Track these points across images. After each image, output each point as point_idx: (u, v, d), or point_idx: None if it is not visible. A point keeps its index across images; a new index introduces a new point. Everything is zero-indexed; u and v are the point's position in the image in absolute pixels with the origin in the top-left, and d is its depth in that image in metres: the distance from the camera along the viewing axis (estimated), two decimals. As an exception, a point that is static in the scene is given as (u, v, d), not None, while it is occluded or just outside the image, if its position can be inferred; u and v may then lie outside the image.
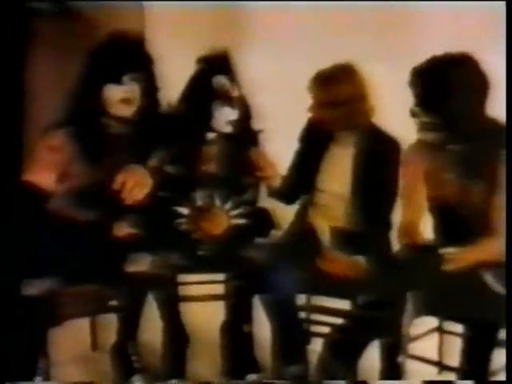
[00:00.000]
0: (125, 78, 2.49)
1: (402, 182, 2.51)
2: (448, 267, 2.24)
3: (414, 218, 2.43)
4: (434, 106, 2.30)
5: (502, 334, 2.33)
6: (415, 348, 2.42)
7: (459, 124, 2.31)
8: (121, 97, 2.50)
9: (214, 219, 2.69)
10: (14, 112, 2.11)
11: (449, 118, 2.30)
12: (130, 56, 2.50)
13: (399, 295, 2.28)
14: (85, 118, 2.47)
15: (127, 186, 2.43)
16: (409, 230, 2.43)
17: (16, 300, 2.13)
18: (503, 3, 2.48)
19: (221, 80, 2.65)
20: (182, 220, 2.68)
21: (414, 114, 2.35)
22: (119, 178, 2.44)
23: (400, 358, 2.32)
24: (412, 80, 2.34)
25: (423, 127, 2.35)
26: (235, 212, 2.72)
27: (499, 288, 2.24)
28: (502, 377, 2.22)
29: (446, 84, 2.28)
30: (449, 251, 2.27)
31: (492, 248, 2.28)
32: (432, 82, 2.29)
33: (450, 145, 2.36)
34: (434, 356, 2.74)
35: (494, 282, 2.26)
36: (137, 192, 2.44)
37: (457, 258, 2.26)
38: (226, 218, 2.70)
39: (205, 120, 2.66)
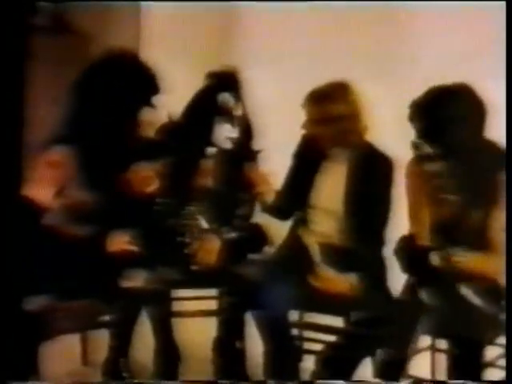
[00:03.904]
0: (155, 100, 2.51)
1: (407, 195, 2.52)
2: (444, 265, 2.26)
3: (421, 227, 2.43)
4: (436, 137, 2.34)
5: (491, 353, 2.34)
6: (408, 366, 2.41)
7: (461, 152, 2.35)
8: (151, 119, 2.53)
9: (207, 246, 2.70)
10: (13, 125, 2.11)
11: (451, 148, 2.34)
12: (153, 78, 2.52)
13: (392, 313, 2.28)
14: (93, 136, 2.46)
15: (136, 180, 2.46)
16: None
17: (9, 315, 2.12)
18: (503, 4, 2.48)
19: (225, 97, 2.69)
20: (177, 235, 2.69)
21: (416, 147, 2.37)
22: (127, 175, 2.46)
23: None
24: (412, 114, 2.37)
25: (425, 159, 2.37)
26: (228, 233, 2.74)
27: (477, 301, 2.26)
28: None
29: (446, 116, 2.32)
30: (456, 253, 2.29)
31: (488, 262, 2.30)
32: (433, 115, 2.34)
33: (451, 171, 2.38)
34: (427, 374, 2.73)
35: (471, 294, 2.27)
36: (145, 186, 2.48)
37: (462, 261, 2.28)
38: (218, 243, 2.71)
39: (205, 134, 2.69)
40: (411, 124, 2.38)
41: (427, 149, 2.36)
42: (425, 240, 2.42)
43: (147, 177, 2.51)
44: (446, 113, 2.32)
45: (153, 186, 2.52)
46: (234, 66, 2.76)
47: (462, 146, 2.34)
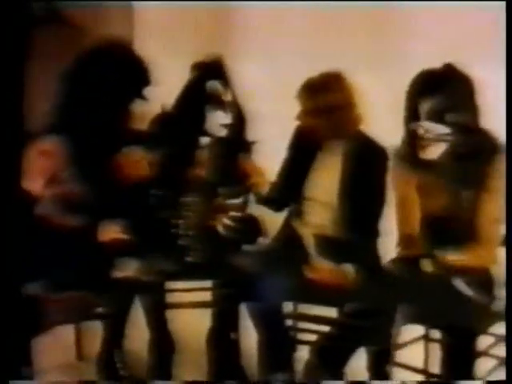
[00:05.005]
0: (146, 92, 2.50)
1: (395, 193, 2.51)
2: (436, 271, 2.27)
3: (411, 230, 2.43)
4: (443, 118, 2.31)
5: (483, 342, 2.35)
6: (401, 356, 2.42)
7: (463, 136, 2.32)
8: (142, 111, 2.52)
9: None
10: (12, 117, 2.12)
11: (455, 129, 2.31)
12: (145, 70, 2.52)
13: (386, 304, 2.29)
14: (84, 126, 2.45)
15: (126, 164, 2.46)
16: (408, 242, 2.43)
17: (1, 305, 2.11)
18: (502, 4, 2.48)
19: (214, 85, 2.69)
20: (171, 226, 2.69)
21: (423, 130, 2.34)
22: (118, 159, 2.45)
23: (387, 367, 2.33)
24: (422, 90, 2.33)
25: (429, 142, 2.34)
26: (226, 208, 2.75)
27: (470, 292, 2.27)
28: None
29: (460, 92, 2.31)
30: (444, 254, 2.30)
31: (479, 254, 2.31)
32: (447, 90, 2.30)
33: (449, 158, 2.36)
34: (420, 364, 2.74)
35: (464, 286, 2.28)
36: (136, 170, 2.48)
37: (454, 260, 2.29)
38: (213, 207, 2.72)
39: (198, 123, 2.69)
40: (415, 101, 2.33)
41: (437, 130, 2.33)
42: (415, 241, 2.42)
43: (138, 161, 2.51)
44: (459, 89, 2.30)
45: (143, 171, 2.51)
46: (218, 55, 2.76)
47: (463, 129, 2.31)
